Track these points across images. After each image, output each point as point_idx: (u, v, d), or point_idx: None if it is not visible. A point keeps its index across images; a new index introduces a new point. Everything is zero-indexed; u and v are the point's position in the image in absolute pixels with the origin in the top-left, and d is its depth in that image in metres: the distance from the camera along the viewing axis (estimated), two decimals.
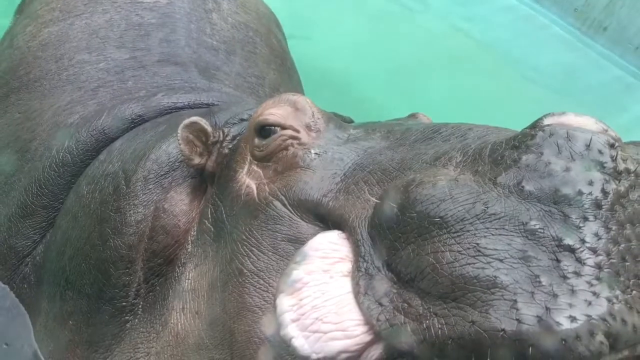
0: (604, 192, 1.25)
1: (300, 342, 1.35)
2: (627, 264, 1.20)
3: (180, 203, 2.09)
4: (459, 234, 1.27)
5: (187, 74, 3.01)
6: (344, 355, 1.33)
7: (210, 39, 3.26)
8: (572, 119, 1.39)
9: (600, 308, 1.15)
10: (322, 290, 1.39)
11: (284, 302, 1.42)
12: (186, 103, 2.69)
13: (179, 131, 2.06)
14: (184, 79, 2.98)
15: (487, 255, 1.23)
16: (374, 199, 1.52)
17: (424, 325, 1.24)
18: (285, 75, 3.65)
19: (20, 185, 2.64)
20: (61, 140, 2.63)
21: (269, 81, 3.38)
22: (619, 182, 1.28)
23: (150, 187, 2.13)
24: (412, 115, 2.34)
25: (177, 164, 2.16)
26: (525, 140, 1.35)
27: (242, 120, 2.15)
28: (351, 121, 2.20)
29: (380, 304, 1.32)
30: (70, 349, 2.25)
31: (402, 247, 1.34)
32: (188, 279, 1.95)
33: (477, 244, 1.24)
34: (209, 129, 2.10)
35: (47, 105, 2.88)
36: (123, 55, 3.03)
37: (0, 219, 2.61)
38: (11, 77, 3.13)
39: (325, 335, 1.34)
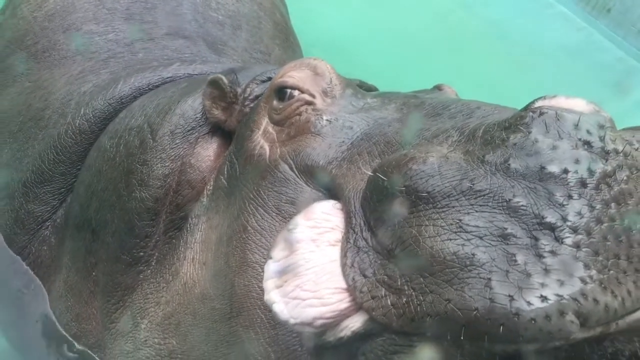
0: (590, 171, 1.25)
1: (280, 307, 1.39)
2: (609, 243, 1.19)
3: (206, 159, 2.13)
4: (444, 209, 1.28)
5: (196, 48, 3.02)
6: (319, 322, 1.36)
7: (216, 14, 3.25)
8: (563, 101, 1.38)
9: (572, 288, 1.14)
10: (306, 259, 1.42)
11: (270, 268, 1.46)
12: (202, 74, 2.66)
13: (204, 86, 2.09)
14: (194, 52, 2.98)
15: (468, 232, 1.23)
16: (368, 172, 1.53)
17: (403, 299, 1.25)
18: (289, 51, 3.63)
19: (34, 151, 2.67)
20: (76, 107, 2.64)
21: (274, 57, 3.38)
22: (607, 162, 1.26)
23: (177, 141, 2.16)
24: (437, 87, 2.30)
25: (203, 119, 2.18)
26: (515, 121, 1.35)
27: (264, 81, 2.16)
28: (375, 90, 2.18)
29: (365, 276, 1.34)
30: (90, 301, 2.31)
31: (389, 219, 1.35)
32: (200, 231, 2.01)
33: (460, 220, 1.25)
34: (228, 88, 2.13)
35: (58, 75, 2.90)
36: (131, 27, 3.04)
37: (13, 184, 2.65)
38: (17, 46, 3.14)
39: (303, 302, 1.37)
